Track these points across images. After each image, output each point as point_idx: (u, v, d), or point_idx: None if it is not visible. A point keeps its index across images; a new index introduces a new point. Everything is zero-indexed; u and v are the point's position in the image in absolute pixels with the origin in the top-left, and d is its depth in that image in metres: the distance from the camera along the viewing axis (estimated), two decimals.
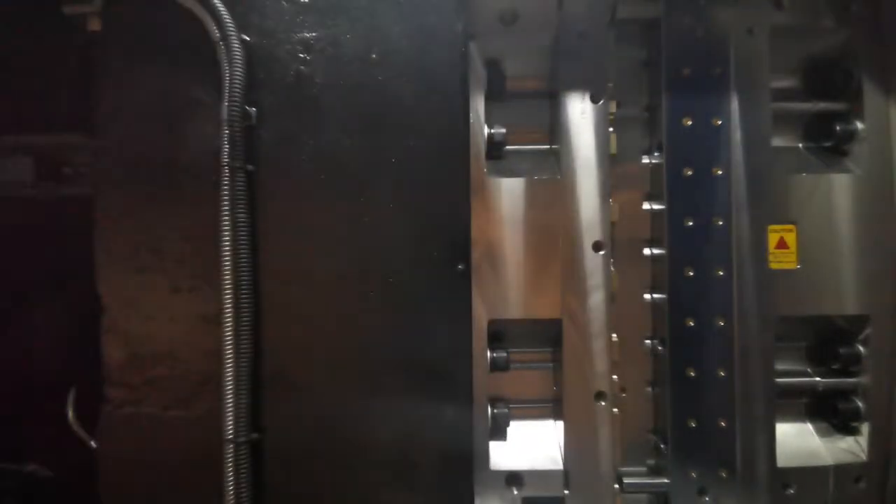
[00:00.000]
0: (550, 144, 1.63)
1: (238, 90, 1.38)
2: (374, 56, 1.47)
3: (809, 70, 1.66)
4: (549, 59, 1.60)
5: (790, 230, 1.56)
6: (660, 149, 1.60)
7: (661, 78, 1.57)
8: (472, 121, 1.50)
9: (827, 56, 1.63)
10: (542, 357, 1.63)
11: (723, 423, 1.54)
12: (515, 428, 1.59)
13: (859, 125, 1.58)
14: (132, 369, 1.46)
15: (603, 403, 1.52)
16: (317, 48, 1.47)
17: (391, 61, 1.46)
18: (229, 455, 1.35)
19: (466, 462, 1.46)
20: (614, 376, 1.53)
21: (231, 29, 1.39)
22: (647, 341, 1.66)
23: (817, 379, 1.61)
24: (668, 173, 1.56)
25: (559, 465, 1.52)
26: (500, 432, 1.57)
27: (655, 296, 1.64)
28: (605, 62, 1.53)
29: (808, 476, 1.54)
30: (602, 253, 1.52)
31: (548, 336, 1.60)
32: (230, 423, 1.36)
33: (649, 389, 1.67)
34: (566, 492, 1.51)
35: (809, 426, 1.64)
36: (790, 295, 1.55)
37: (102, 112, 1.48)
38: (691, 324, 1.55)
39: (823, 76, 1.63)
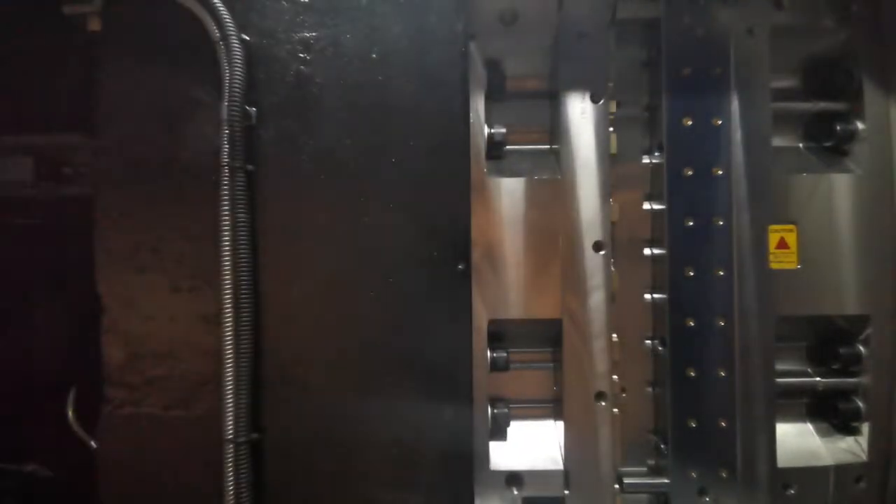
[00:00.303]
0: (550, 144, 1.63)
1: (238, 90, 1.38)
2: (374, 56, 1.47)
3: (809, 70, 1.65)
4: (549, 59, 1.60)
5: (790, 230, 1.56)
6: (660, 149, 1.60)
7: (661, 78, 1.57)
8: (472, 121, 1.50)
9: (827, 56, 1.63)
10: (542, 357, 1.63)
11: (723, 423, 1.54)
12: (515, 428, 1.59)
13: (859, 125, 1.58)
14: (132, 369, 1.46)
15: (603, 403, 1.52)
16: (317, 48, 1.47)
17: (391, 61, 1.46)
18: (229, 455, 1.35)
19: (466, 462, 1.46)
20: (614, 376, 1.52)
21: (231, 29, 1.39)
22: (648, 341, 1.66)
23: (817, 379, 1.61)
24: (668, 173, 1.56)
25: (559, 465, 1.52)
26: (500, 432, 1.57)
27: (656, 296, 1.64)
28: (605, 62, 1.53)
29: (809, 476, 1.54)
30: (602, 253, 1.52)
31: (548, 336, 1.60)
32: (230, 423, 1.36)
33: (649, 389, 1.67)
34: (566, 492, 1.51)
35: (809, 426, 1.64)
36: (790, 295, 1.55)
37: (102, 112, 1.48)
38: (691, 324, 1.55)
39: (823, 76, 1.63)
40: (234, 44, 1.39)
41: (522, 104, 1.64)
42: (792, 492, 1.53)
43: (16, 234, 1.75)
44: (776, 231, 1.56)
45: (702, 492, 1.54)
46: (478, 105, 1.54)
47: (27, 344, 1.81)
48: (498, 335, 1.59)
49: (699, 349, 1.55)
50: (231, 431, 1.36)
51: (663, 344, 1.58)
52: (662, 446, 1.59)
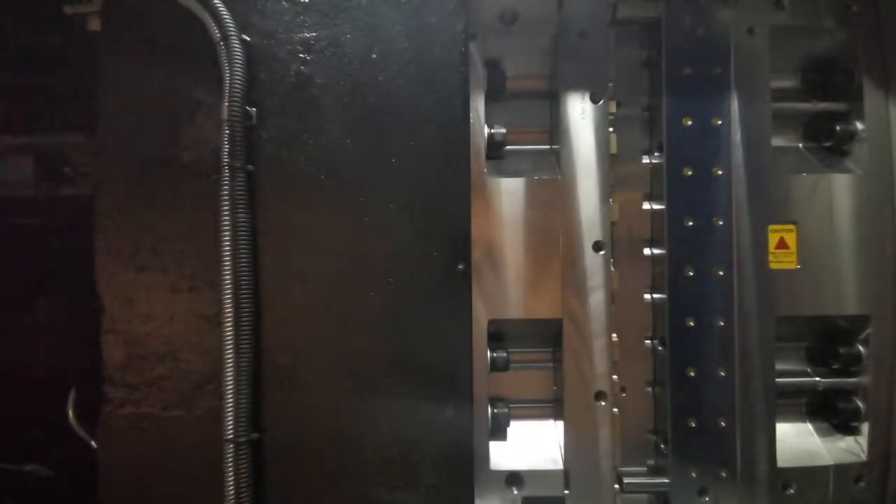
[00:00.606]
0: (550, 144, 1.63)
1: (238, 90, 1.38)
2: (374, 56, 1.47)
3: (809, 70, 1.66)
4: (549, 59, 1.60)
5: (790, 230, 1.56)
6: (660, 149, 1.60)
7: (661, 78, 1.57)
8: (472, 121, 1.50)
9: (827, 56, 1.63)
10: (542, 357, 1.63)
11: (723, 423, 1.54)
12: (515, 428, 1.59)
13: (859, 125, 1.58)
14: (132, 369, 1.46)
15: (603, 403, 1.52)
16: (317, 48, 1.47)
17: (391, 61, 1.46)
18: (229, 455, 1.35)
19: (466, 462, 1.46)
20: (614, 376, 1.53)
21: (231, 29, 1.39)
22: (647, 341, 1.66)
23: (817, 379, 1.61)
24: (668, 173, 1.56)
25: (559, 465, 1.52)
26: (500, 432, 1.57)
27: (655, 296, 1.64)
28: (605, 62, 1.54)
29: (808, 476, 1.54)
30: (602, 253, 1.52)
31: (548, 336, 1.60)
32: (230, 423, 1.36)
33: (649, 389, 1.67)
34: (566, 492, 1.51)
35: (809, 426, 1.64)
36: (790, 295, 1.55)
37: (102, 112, 1.48)
38: (691, 324, 1.55)
39: (823, 76, 1.63)
40: (235, 44, 1.39)
41: (522, 104, 1.64)
42: (792, 491, 1.53)
43: (16, 234, 1.75)
44: (776, 231, 1.56)
45: (702, 492, 1.54)
46: (478, 105, 1.54)
47: (27, 344, 1.81)
48: (498, 335, 1.59)
49: (699, 349, 1.55)
50: (231, 431, 1.35)
51: (663, 344, 1.58)
52: (662, 446, 1.59)
